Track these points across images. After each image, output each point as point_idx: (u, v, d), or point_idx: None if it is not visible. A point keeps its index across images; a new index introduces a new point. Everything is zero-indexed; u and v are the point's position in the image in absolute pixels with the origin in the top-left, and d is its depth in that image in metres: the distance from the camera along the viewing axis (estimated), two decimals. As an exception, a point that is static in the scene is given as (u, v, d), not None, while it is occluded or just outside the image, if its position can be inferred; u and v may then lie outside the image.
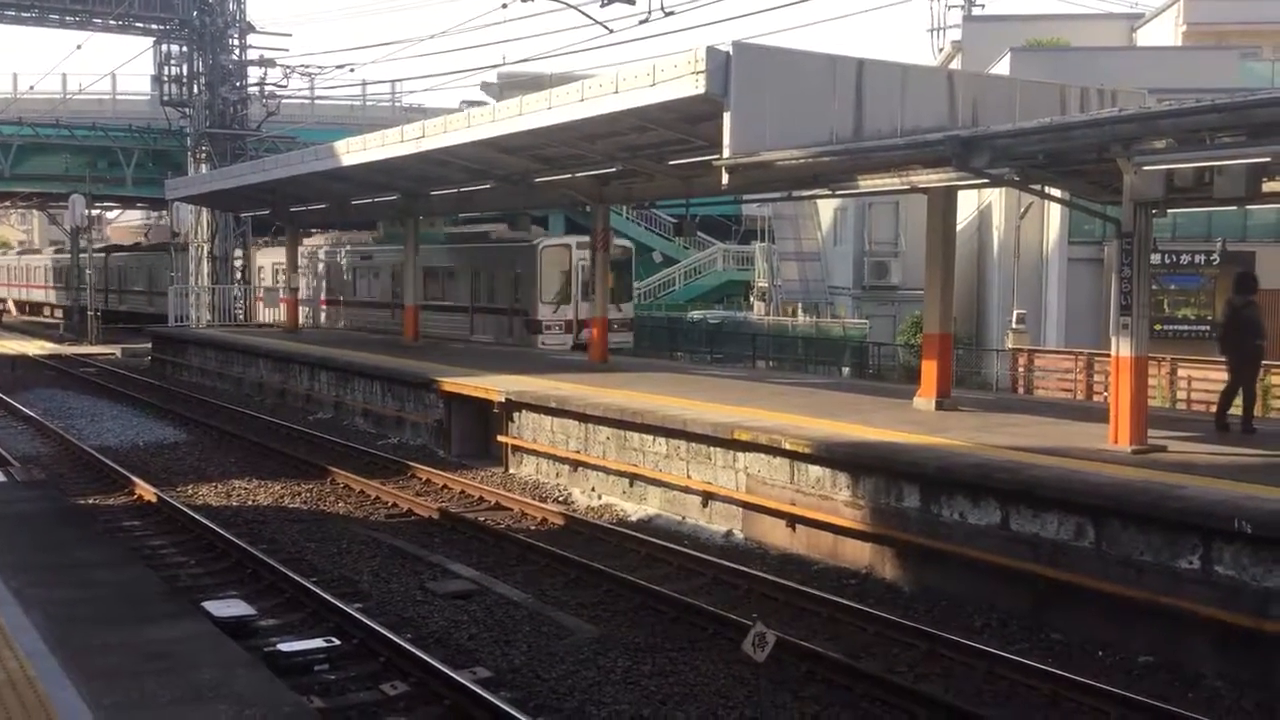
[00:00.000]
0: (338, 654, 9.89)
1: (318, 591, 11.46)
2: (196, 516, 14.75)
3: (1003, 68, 31.35)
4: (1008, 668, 9.61)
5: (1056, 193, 15.83)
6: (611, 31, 22.86)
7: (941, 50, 45.58)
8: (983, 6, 45.44)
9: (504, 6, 24.90)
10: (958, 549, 11.67)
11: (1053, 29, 38.72)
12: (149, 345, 38.81)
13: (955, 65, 38.64)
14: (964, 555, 11.59)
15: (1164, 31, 39.61)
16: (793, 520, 13.61)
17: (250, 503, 16.62)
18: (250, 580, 12.38)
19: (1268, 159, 11.01)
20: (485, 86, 52.74)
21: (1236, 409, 14.07)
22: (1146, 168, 11.70)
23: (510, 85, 42.11)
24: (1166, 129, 11.40)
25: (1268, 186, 12.09)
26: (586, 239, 29.75)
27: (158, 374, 34.89)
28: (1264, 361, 14.57)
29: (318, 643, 9.99)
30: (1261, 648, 9.34)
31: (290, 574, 12.11)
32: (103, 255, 57.38)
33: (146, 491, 16.48)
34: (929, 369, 16.18)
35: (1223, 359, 14.27)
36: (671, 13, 21.40)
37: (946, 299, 16.08)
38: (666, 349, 34.85)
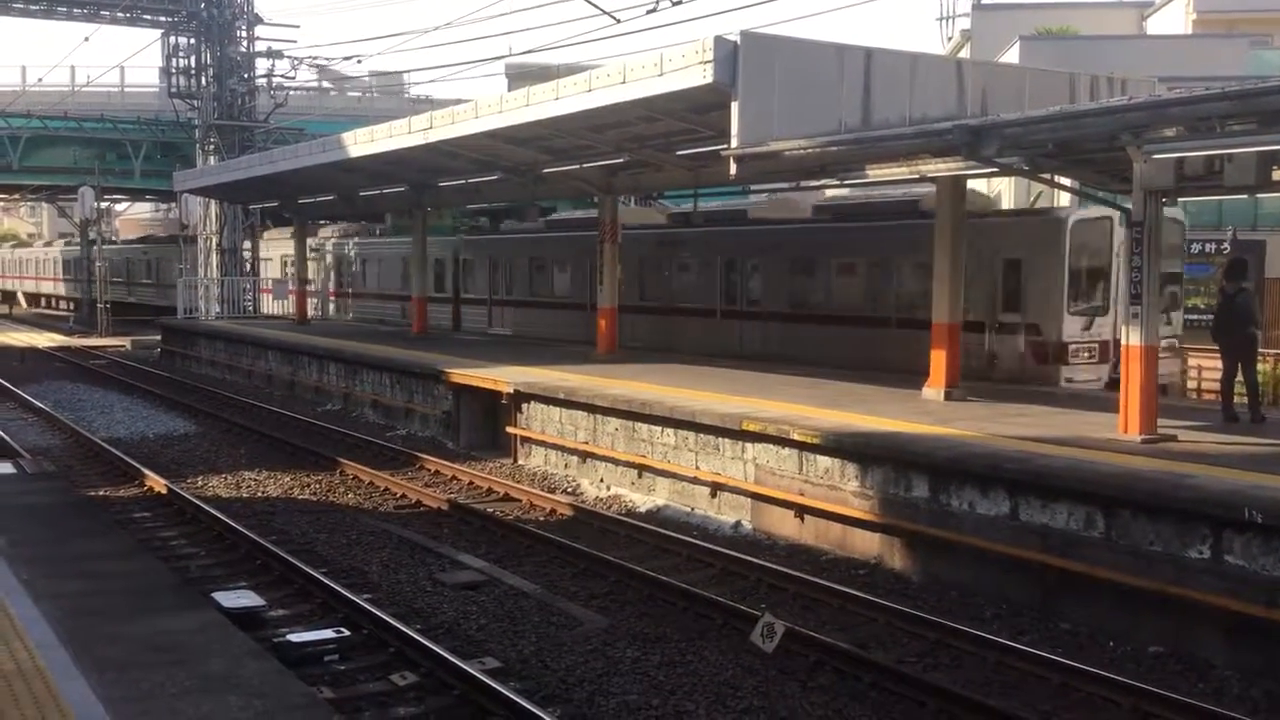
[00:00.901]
0: (347, 645, 9.91)
1: (327, 582, 11.48)
2: (206, 508, 14.78)
3: (1012, 56, 31.27)
4: (1017, 658, 9.60)
5: (1066, 181, 15.77)
6: (619, 21, 22.79)
7: (950, 39, 45.44)
8: (992, -6, 45.24)
9: (511, -3, 24.80)
10: (967, 539, 11.65)
11: (1062, 17, 38.60)
12: (159, 337, 38.91)
13: (964, 54, 38.51)
14: (973, 545, 11.57)
15: (1174, 19, 39.45)
16: (801, 511, 13.60)
17: (260, 494, 16.65)
18: (260, 571, 12.41)
19: (1278, 147, 10.97)
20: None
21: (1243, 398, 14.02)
22: (1156, 156, 11.66)
23: (517, 76, 42.04)
24: (1177, 117, 11.36)
25: (1278, 175, 12.04)
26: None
27: (167, 366, 34.98)
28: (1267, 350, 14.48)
29: (327, 633, 10.02)
30: (1272, 637, 9.31)
31: (300, 565, 12.13)
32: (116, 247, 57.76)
33: (157, 483, 16.53)
34: (938, 359, 16.13)
35: (1216, 347, 14.21)
36: (679, 2, 21.33)
37: (955, 288, 16.03)
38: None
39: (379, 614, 10.45)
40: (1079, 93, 16.82)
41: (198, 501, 15.26)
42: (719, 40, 13.54)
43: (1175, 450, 11.96)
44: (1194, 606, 9.77)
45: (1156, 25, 40.54)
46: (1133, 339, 12.47)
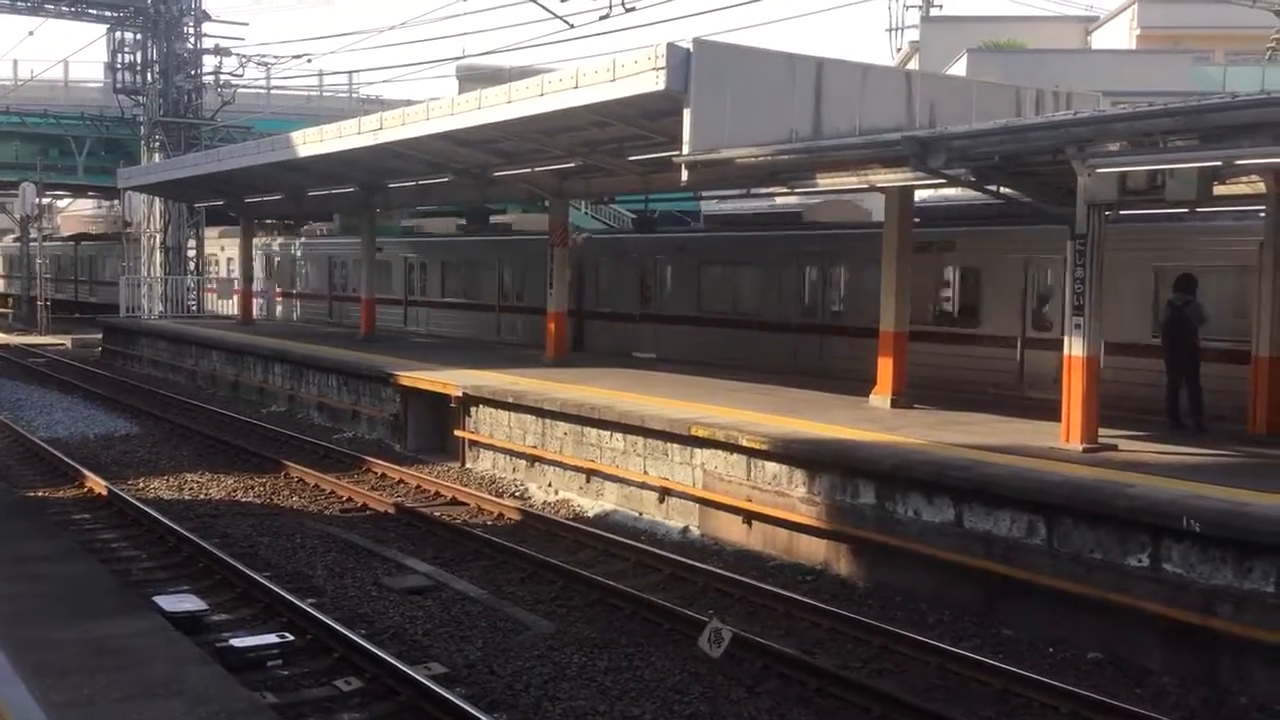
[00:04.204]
0: (291, 650, 9.82)
1: (271, 586, 11.37)
2: (148, 510, 14.59)
3: (960, 68, 31.65)
4: (959, 663, 9.71)
5: (1012, 193, 15.94)
6: (572, 26, 22.83)
7: (900, 50, 45.92)
8: (940, 7, 45.83)
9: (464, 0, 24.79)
10: (912, 545, 11.77)
11: (1009, 30, 39.13)
12: (100, 336, 38.35)
13: (913, 65, 38.94)
14: (918, 552, 11.68)
15: (1118, 34, 40.14)
16: (749, 516, 13.66)
17: (203, 496, 16.46)
18: (202, 575, 12.26)
19: (1219, 163, 11.19)
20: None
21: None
22: (1100, 170, 11.85)
23: (469, 78, 41.89)
24: (1120, 132, 11.56)
25: (1218, 189, 12.30)
26: None
27: (109, 365, 34.48)
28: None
29: (271, 638, 9.91)
30: (1207, 644, 9.49)
31: (243, 569, 12.00)
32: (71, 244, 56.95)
33: (97, 484, 16.28)
34: (885, 366, 16.27)
35: (1164, 358, 14.51)
36: (632, 8, 21.42)
37: (903, 297, 16.17)
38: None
39: (323, 619, 10.37)
40: (1025, 106, 17.06)
41: (139, 503, 15.05)
42: (672, 47, 13.58)
43: (1116, 459, 12.15)
44: (1133, 613, 9.93)
45: (1101, 40, 41.23)
46: (1075, 350, 12.66)
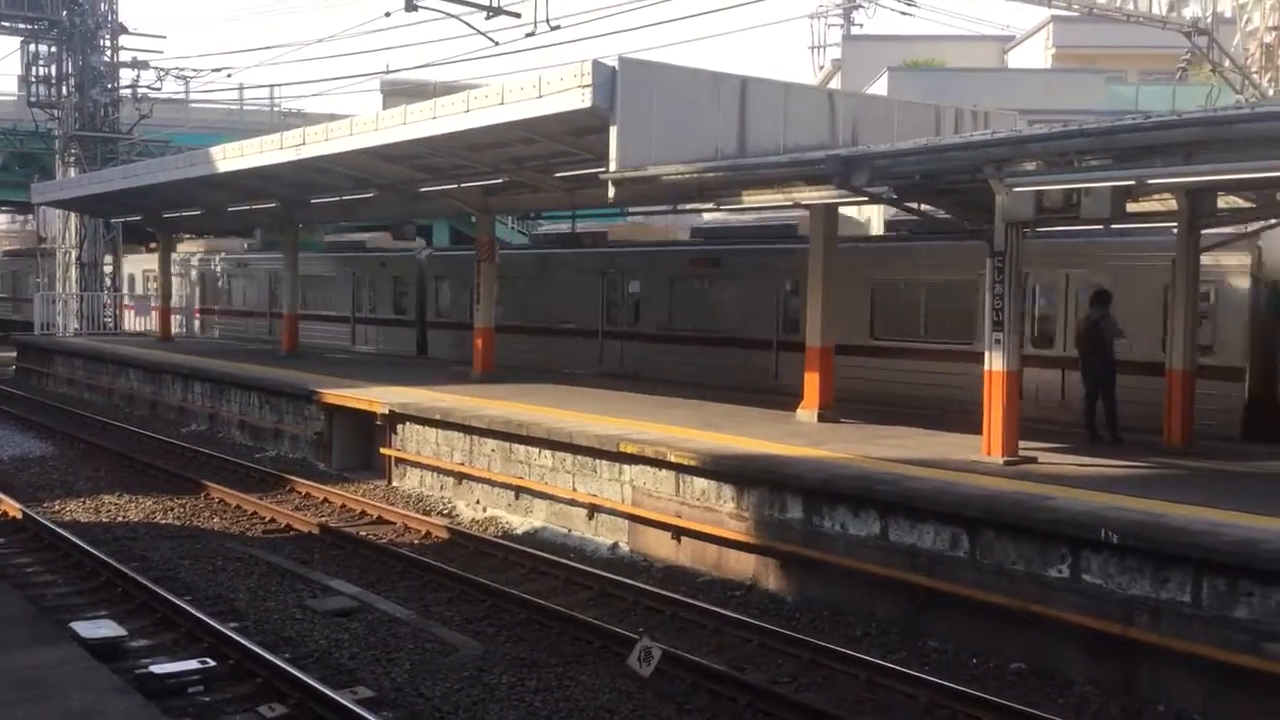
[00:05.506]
0: (213, 675, 9.64)
1: (191, 611, 11.15)
2: (63, 533, 14.24)
3: (881, 86, 32.12)
4: (886, 676, 9.80)
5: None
6: (497, 44, 22.79)
7: (822, 68, 46.53)
8: (861, 26, 46.51)
9: (387, 15, 24.64)
10: (839, 559, 11.87)
11: (929, 50, 39.81)
12: (14, 354, 37.45)
13: (835, 83, 39.48)
14: (845, 566, 11.79)
15: (1034, 54, 41.01)
16: (678, 532, 13.68)
17: (120, 519, 16.10)
18: (121, 600, 12.00)
19: (1132, 181, 11.48)
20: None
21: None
22: (1017, 189, 12.09)
23: (393, 93, 41.61)
24: (1037, 152, 11.82)
25: (1131, 207, 12.61)
26: None
27: (23, 384, 33.65)
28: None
29: (192, 664, 9.74)
30: (1127, 653, 9.68)
31: (162, 593, 11.76)
32: None
33: (10, 507, 15.86)
34: (811, 381, 16.42)
35: (1080, 371, 14.87)
36: (558, 26, 21.45)
37: (829, 312, 16.34)
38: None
39: (245, 643, 10.18)
40: (944, 124, 17.38)
41: (54, 526, 14.68)
42: (597, 65, 13.63)
43: (1036, 472, 12.37)
44: (1055, 624, 10.10)
45: (1017, 59, 42.08)
46: (995, 364, 12.89)
